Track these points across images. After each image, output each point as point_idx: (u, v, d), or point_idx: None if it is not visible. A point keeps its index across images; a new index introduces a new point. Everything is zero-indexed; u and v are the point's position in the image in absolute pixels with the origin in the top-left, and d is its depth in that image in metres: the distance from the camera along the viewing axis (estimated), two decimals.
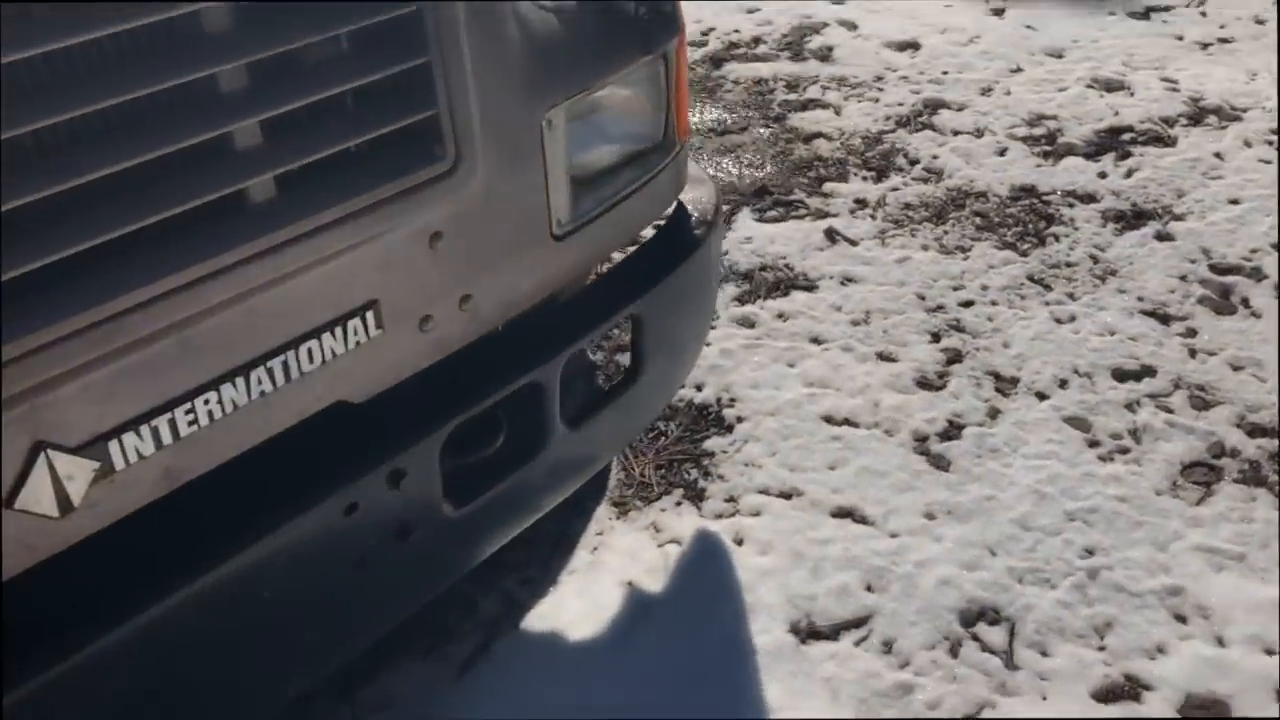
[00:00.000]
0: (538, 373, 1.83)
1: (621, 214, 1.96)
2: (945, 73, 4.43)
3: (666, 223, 2.15)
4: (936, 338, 2.97)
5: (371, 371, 1.61)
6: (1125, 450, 2.56)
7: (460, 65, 1.54)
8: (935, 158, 3.84)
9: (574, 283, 2.13)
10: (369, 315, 1.57)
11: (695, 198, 2.25)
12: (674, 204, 2.16)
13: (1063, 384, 2.78)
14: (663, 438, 2.67)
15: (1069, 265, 3.25)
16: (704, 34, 4.90)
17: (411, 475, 1.67)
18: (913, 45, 4.67)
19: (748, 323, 3.04)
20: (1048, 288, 3.16)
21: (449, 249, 1.64)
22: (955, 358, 2.89)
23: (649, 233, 2.21)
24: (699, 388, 2.81)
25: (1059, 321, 3.01)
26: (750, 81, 4.47)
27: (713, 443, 2.64)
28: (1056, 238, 3.38)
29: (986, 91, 4.28)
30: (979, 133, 3.99)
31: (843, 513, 2.41)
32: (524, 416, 1.88)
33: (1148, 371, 2.81)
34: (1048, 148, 3.89)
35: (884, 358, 2.89)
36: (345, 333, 1.55)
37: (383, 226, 1.54)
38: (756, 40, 4.82)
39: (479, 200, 1.65)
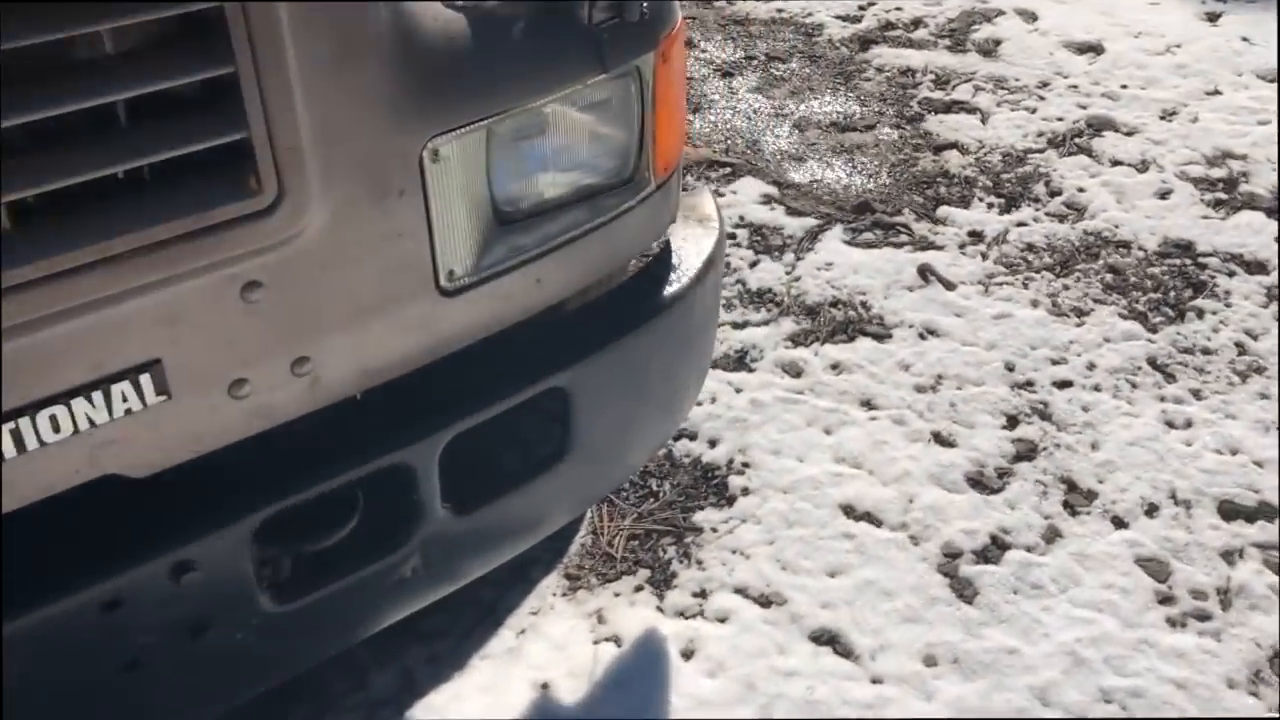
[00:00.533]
0: (405, 454, 1.50)
1: (557, 264, 1.59)
2: (1124, 86, 3.79)
3: (630, 276, 1.76)
4: (1012, 423, 2.47)
5: (156, 443, 1.31)
6: (1205, 616, 2.04)
7: (283, 78, 1.20)
8: (1081, 191, 3.27)
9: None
10: (146, 378, 1.26)
11: (688, 245, 1.85)
12: (647, 252, 1.78)
13: (1150, 510, 2.26)
14: (651, 499, 2.30)
15: (1205, 352, 2.67)
16: (861, 8, 4.38)
17: (204, 567, 1.38)
18: (1095, 48, 4.03)
19: (794, 370, 2.61)
20: (1170, 378, 2.60)
21: (271, 302, 1.32)
22: (1027, 453, 2.39)
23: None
24: (712, 443, 2.42)
25: (1170, 425, 2.46)
26: (895, 71, 3.95)
27: (705, 516, 2.25)
28: (1200, 314, 2.79)
29: (1168, 115, 3.63)
30: (1143, 166, 3.38)
31: (824, 638, 2.00)
32: (389, 501, 1.55)
33: (1264, 512, 2.25)
34: (1223, 195, 3.25)
35: (940, 439, 2.42)
36: (109, 398, 1.25)
37: (169, 272, 1.23)
38: (917, 22, 4.26)
39: (317, 244, 1.32)
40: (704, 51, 4.08)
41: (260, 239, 1.27)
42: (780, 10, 4.39)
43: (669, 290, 1.76)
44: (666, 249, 1.83)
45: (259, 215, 1.25)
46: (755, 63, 4.01)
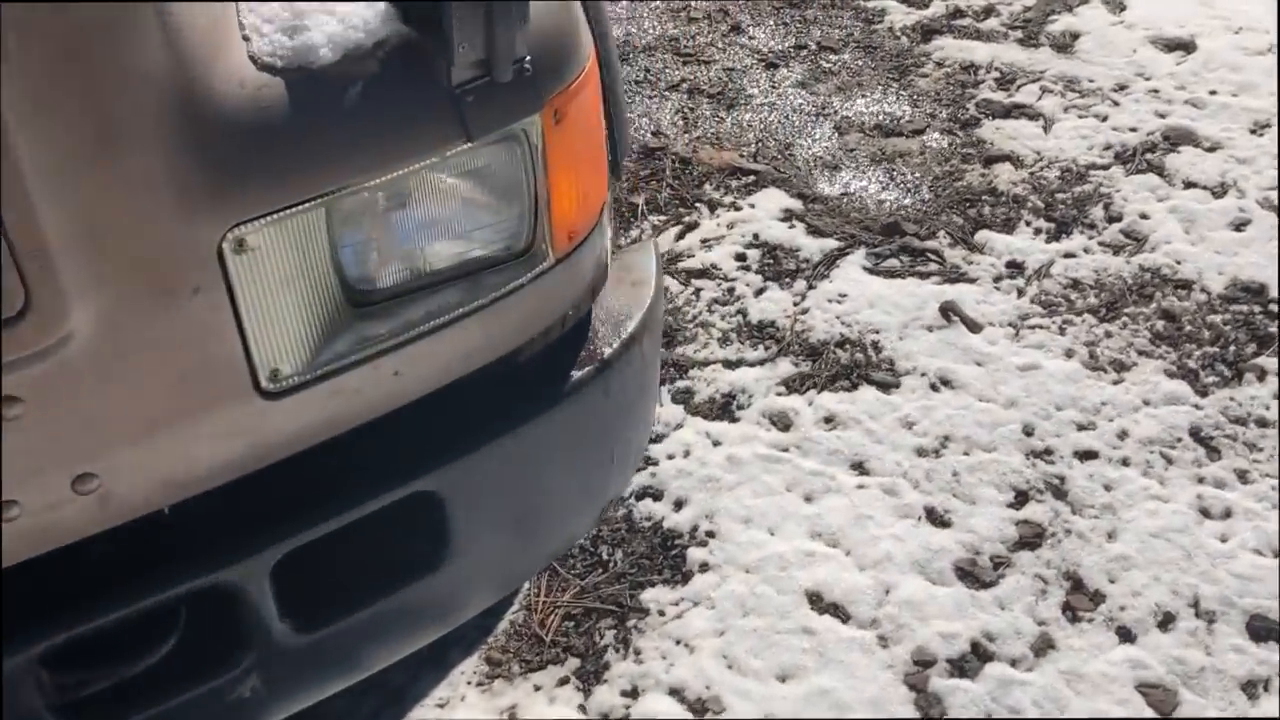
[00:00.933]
0: (225, 574, 1.31)
1: (423, 354, 1.38)
2: (1213, 92, 3.38)
3: (528, 357, 1.53)
4: (1021, 500, 2.19)
5: None
6: None
7: (15, 170, 1.01)
8: (1145, 217, 2.91)
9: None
10: None
11: (610, 318, 1.62)
12: (545, 333, 1.54)
13: (1165, 621, 1.96)
14: (598, 570, 2.08)
15: (1261, 424, 2.33)
16: None
17: None
18: (1185, 45, 3.61)
19: (782, 423, 2.35)
20: (1214, 454, 2.27)
21: (35, 419, 1.13)
22: (1032, 539, 2.11)
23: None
24: (678, 505, 2.19)
25: (1205, 515, 2.15)
26: (956, 66, 3.60)
27: (654, 595, 2.03)
28: (1261, 375, 2.44)
29: (1260, 128, 3.22)
30: (1221, 189, 3.00)
31: None
32: (214, 620, 1.37)
33: None
34: None
35: (933, 517, 2.15)
36: None
37: None
38: (989, 10, 3.88)
39: (88, 354, 1.13)
40: (751, 39, 3.78)
41: (9, 351, 1.08)
42: None
43: (575, 375, 1.54)
44: (583, 323, 1.61)
45: (4, 326, 1.07)
46: (805, 53, 3.70)
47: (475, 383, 1.48)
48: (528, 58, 1.29)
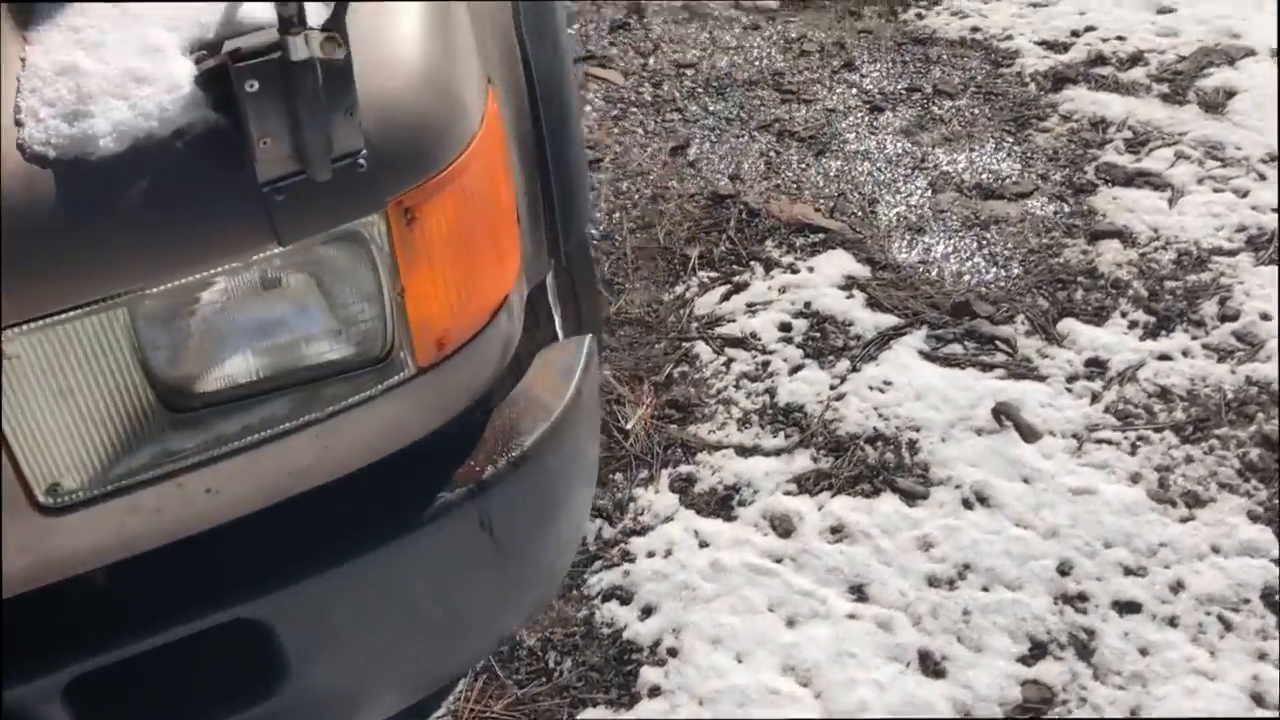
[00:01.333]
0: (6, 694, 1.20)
1: (244, 470, 1.23)
2: None
3: (399, 469, 1.36)
4: (1037, 653, 1.88)
5: None
6: None
7: None
8: (1266, 318, 2.51)
9: None
10: None
11: (506, 430, 1.43)
12: (406, 448, 1.36)
13: None
14: (541, 679, 1.90)
15: None
16: (1073, 34, 3.63)
17: None
18: None
19: (783, 528, 2.11)
20: None
21: None
22: (1038, 704, 1.81)
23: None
24: (646, 613, 1.98)
25: (1258, 702, 1.80)
26: (1085, 121, 3.23)
27: (593, 716, 1.84)
28: None
29: None
30: None
31: None
32: None
33: None
34: None
35: (927, 664, 1.88)
36: None
37: None
38: (1135, 59, 3.48)
39: None
40: (863, 77, 3.50)
41: None
42: (975, 30, 3.71)
43: (443, 498, 1.36)
44: (473, 433, 1.43)
45: None
46: (916, 97, 3.40)
47: (325, 496, 1.33)
48: (363, 151, 1.12)
